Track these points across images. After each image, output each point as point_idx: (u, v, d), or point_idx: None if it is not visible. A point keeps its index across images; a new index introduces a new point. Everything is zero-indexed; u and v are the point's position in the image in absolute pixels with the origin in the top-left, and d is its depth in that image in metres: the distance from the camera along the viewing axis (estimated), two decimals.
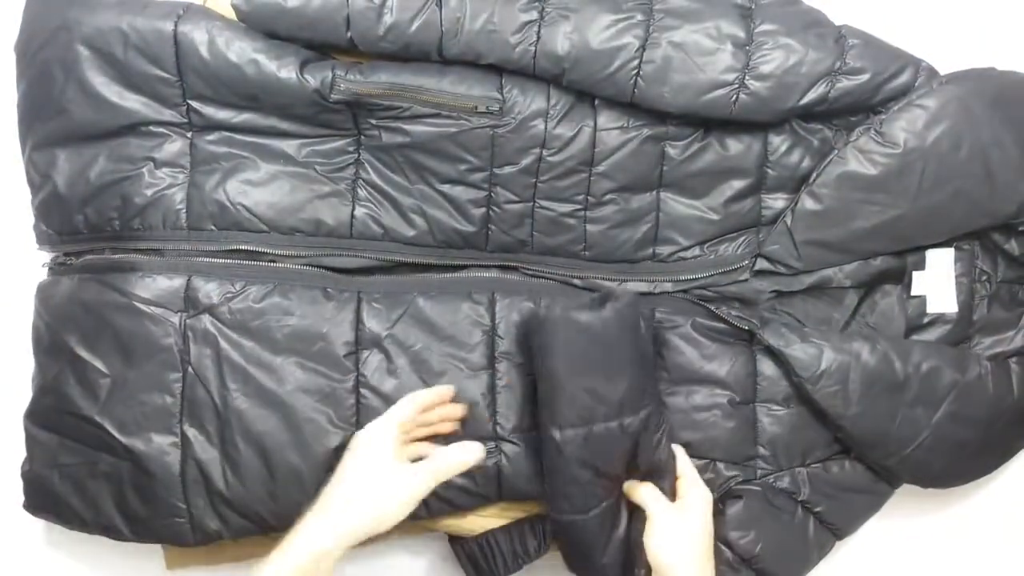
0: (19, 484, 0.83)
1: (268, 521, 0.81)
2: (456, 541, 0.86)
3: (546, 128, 0.81)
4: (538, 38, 0.78)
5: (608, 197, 0.84)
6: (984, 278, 0.88)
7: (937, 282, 0.87)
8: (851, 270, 0.86)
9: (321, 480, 0.78)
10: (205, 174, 0.82)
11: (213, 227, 0.82)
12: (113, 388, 0.80)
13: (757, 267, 0.86)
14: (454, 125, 0.80)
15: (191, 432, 0.80)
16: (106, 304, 0.80)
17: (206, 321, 0.81)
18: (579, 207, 0.84)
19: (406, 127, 0.81)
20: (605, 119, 0.82)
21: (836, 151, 0.82)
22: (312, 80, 0.78)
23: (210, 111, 0.81)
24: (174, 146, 0.82)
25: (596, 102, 0.82)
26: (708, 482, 0.83)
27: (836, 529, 0.86)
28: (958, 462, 0.86)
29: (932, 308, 0.88)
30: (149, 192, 0.81)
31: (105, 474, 0.80)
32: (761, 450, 0.86)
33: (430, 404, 0.80)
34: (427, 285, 0.85)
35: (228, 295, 0.81)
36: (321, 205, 0.83)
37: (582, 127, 0.82)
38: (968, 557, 0.96)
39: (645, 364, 0.79)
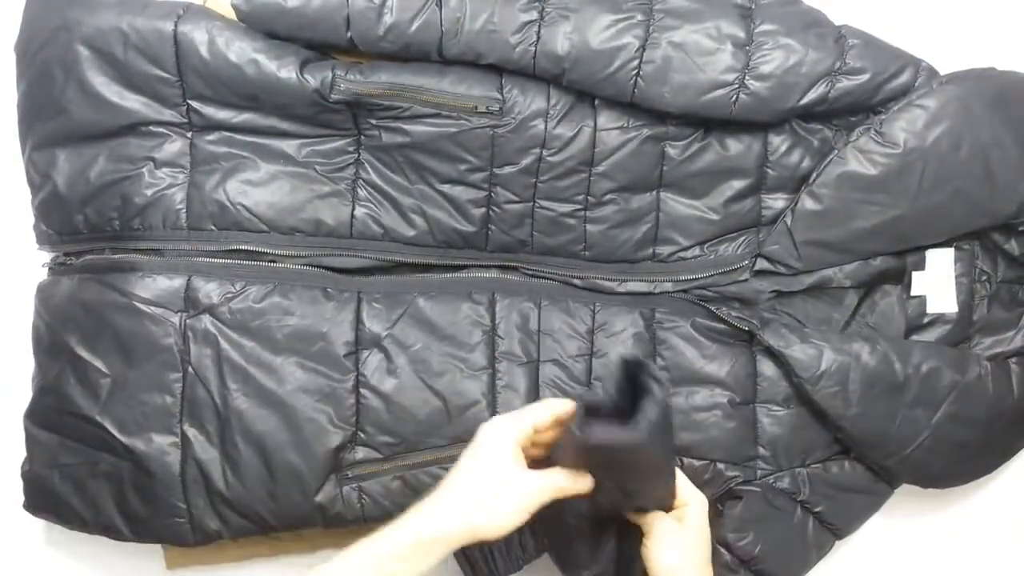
0: (19, 484, 0.83)
1: (268, 521, 0.81)
2: None
3: (546, 128, 0.81)
4: (538, 38, 0.78)
5: (608, 197, 0.84)
6: (984, 278, 0.88)
7: (937, 282, 0.87)
8: (851, 270, 0.86)
9: (321, 480, 0.79)
10: (205, 174, 0.82)
11: (213, 227, 0.82)
12: (113, 388, 0.80)
13: (757, 267, 0.86)
14: (454, 125, 0.80)
15: (191, 432, 0.80)
16: (106, 304, 0.80)
17: (206, 321, 0.81)
18: (579, 207, 0.84)
19: (406, 127, 0.81)
20: (605, 119, 0.82)
21: (836, 151, 0.82)
22: (312, 80, 0.78)
23: (210, 111, 0.81)
24: (174, 146, 0.82)
25: (596, 102, 0.82)
26: (708, 483, 0.83)
27: (836, 529, 0.86)
28: (958, 462, 0.86)
29: (932, 308, 0.88)
30: (149, 192, 0.81)
31: (105, 474, 0.80)
32: (761, 450, 0.86)
33: (567, 418, 0.72)
34: (427, 285, 0.85)
35: (228, 295, 0.81)
36: (321, 205, 0.83)
37: (582, 127, 0.82)
38: (968, 557, 0.96)
39: (672, 458, 0.76)
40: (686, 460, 0.84)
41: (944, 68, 0.83)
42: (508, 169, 0.82)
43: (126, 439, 0.79)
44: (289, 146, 0.83)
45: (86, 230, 0.82)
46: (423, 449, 0.83)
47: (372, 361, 0.83)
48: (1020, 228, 0.85)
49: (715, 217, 0.86)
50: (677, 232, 0.86)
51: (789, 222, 0.83)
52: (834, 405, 0.82)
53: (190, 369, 0.80)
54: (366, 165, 0.83)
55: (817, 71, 0.79)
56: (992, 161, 0.81)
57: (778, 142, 0.84)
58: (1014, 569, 0.96)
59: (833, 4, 0.84)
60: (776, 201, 0.86)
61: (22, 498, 0.83)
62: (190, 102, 0.81)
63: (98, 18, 0.79)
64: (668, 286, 0.86)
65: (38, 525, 0.89)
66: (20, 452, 0.83)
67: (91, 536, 0.82)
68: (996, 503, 0.95)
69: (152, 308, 0.80)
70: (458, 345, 0.84)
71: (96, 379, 0.80)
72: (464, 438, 0.82)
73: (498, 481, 0.68)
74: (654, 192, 0.85)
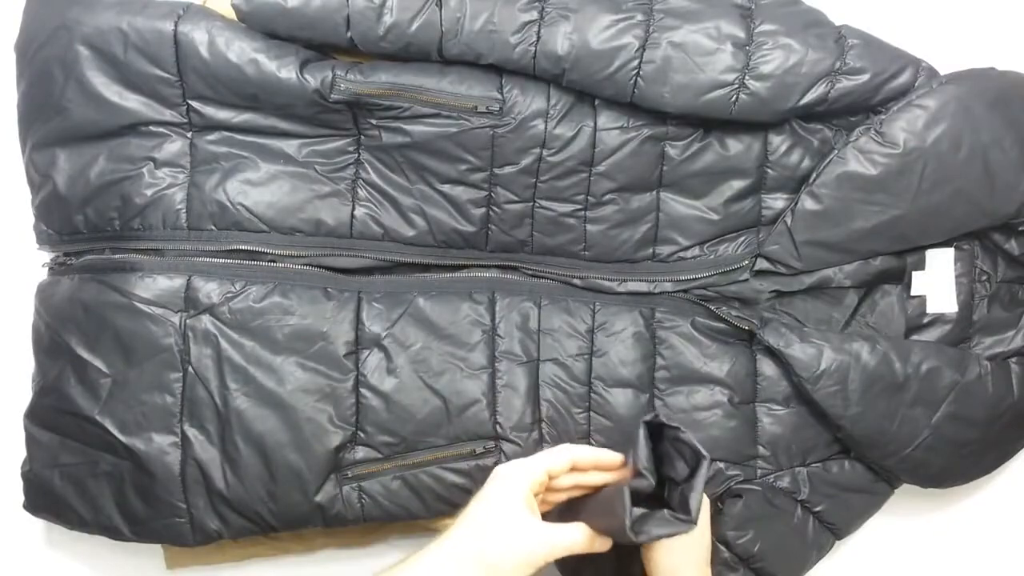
0: (19, 484, 0.83)
1: (268, 521, 0.81)
2: None
3: (546, 128, 0.81)
4: (538, 38, 0.78)
5: (608, 197, 0.84)
6: (984, 278, 0.88)
7: (937, 282, 0.87)
8: (851, 270, 0.86)
9: (321, 480, 0.78)
10: (205, 174, 0.82)
11: (213, 227, 0.82)
12: (114, 388, 0.80)
13: (757, 267, 0.86)
14: (454, 125, 0.80)
15: (191, 432, 0.80)
16: (106, 304, 0.80)
17: (206, 321, 0.81)
18: (579, 207, 0.84)
19: (406, 127, 0.81)
20: (605, 119, 0.82)
21: (836, 151, 0.82)
22: (312, 80, 0.78)
23: (210, 111, 0.81)
24: (174, 146, 0.82)
25: (596, 102, 0.82)
26: (709, 482, 0.83)
27: (836, 529, 0.86)
28: (958, 462, 0.86)
29: (932, 308, 0.88)
30: (149, 192, 0.81)
31: (105, 474, 0.80)
32: (761, 450, 0.86)
33: (586, 464, 0.70)
34: (427, 285, 0.85)
35: (228, 295, 0.81)
36: (321, 205, 0.83)
37: (582, 127, 0.82)
38: (968, 557, 0.96)
39: None
40: None
41: (944, 68, 0.83)
42: (508, 169, 0.82)
43: (126, 439, 0.79)
44: (289, 146, 0.83)
45: (86, 230, 0.82)
46: (423, 449, 0.83)
47: (372, 361, 0.83)
48: (1020, 228, 0.85)
49: (715, 217, 0.86)
50: (677, 232, 0.86)
51: (789, 222, 0.83)
52: (834, 404, 0.82)
53: (190, 369, 0.80)
54: (366, 165, 0.83)
55: (817, 71, 0.79)
56: (992, 161, 0.81)
57: (778, 142, 0.84)
58: (1014, 569, 0.96)
59: (833, 4, 0.84)
60: (776, 201, 0.86)
61: (22, 498, 0.83)
62: (190, 102, 0.81)
63: (98, 18, 0.79)
64: (668, 286, 0.86)
65: (38, 525, 0.89)
66: (20, 452, 0.83)
67: (91, 536, 0.82)
68: (996, 503, 0.95)
69: (152, 308, 0.80)
70: (458, 344, 0.84)
71: (96, 379, 0.80)
72: (463, 438, 0.82)
73: (511, 532, 0.65)
74: (654, 192, 0.85)
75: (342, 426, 0.81)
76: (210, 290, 0.81)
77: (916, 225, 0.83)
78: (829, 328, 0.87)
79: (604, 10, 0.78)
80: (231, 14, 0.80)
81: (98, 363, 0.80)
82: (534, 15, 0.78)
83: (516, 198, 0.83)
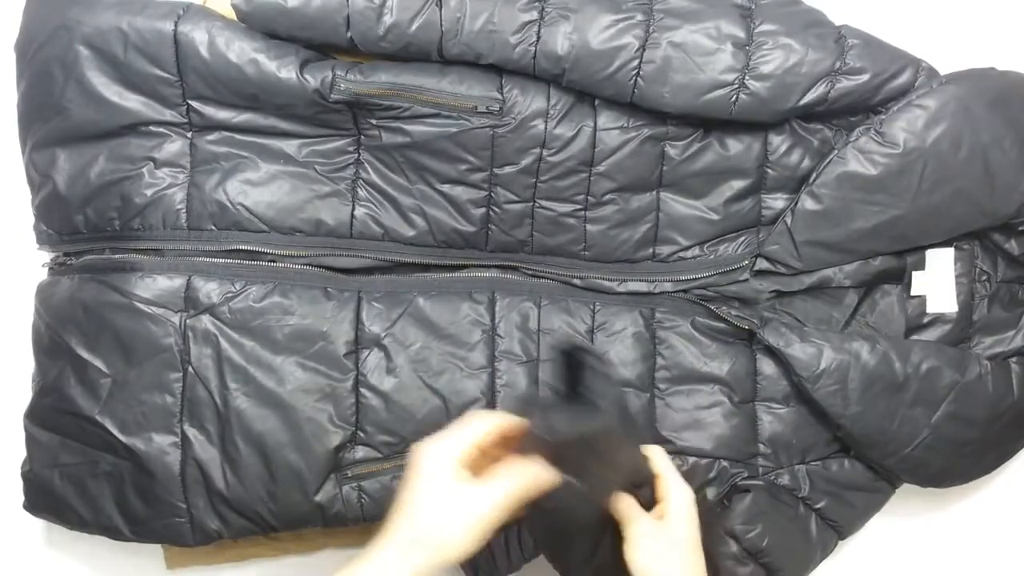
0: (19, 484, 0.83)
1: (268, 521, 0.81)
2: None
3: (546, 128, 0.81)
4: (538, 38, 0.78)
5: (608, 197, 0.84)
6: (984, 278, 0.88)
7: (937, 282, 0.87)
8: (851, 270, 0.86)
9: (321, 479, 0.78)
10: (205, 174, 0.82)
11: (213, 227, 0.82)
12: (114, 388, 0.80)
13: (757, 267, 0.86)
14: (454, 125, 0.80)
15: (191, 432, 0.80)
16: (106, 304, 0.80)
17: (206, 321, 0.81)
18: (579, 207, 0.84)
19: (406, 127, 0.81)
20: (605, 119, 0.82)
21: (836, 151, 0.82)
22: (312, 80, 0.78)
23: (210, 111, 0.81)
24: (174, 146, 0.82)
25: (596, 102, 0.82)
26: (713, 480, 0.83)
27: (838, 527, 0.87)
28: (958, 462, 0.86)
29: (932, 308, 0.88)
30: (149, 192, 0.81)
31: (105, 474, 0.80)
32: (762, 448, 0.86)
33: (510, 431, 0.66)
34: (427, 285, 0.85)
35: (228, 295, 0.81)
36: (321, 205, 0.83)
37: (582, 127, 0.82)
38: (968, 557, 0.96)
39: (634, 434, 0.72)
40: (690, 459, 0.84)
41: (944, 68, 0.83)
42: (508, 169, 0.82)
43: (126, 439, 0.79)
44: (289, 146, 0.83)
45: (86, 230, 0.82)
46: None
47: (372, 360, 0.83)
48: (1020, 228, 0.85)
49: (715, 217, 0.86)
50: (677, 232, 0.86)
51: (789, 222, 0.83)
52: (834, 404, 0.82)
53: (190, 369, 0.80)
54: (366, 165, 0.83)
55: (817, 71, 0.79)
56: (992, 161, 0.81)
57: (778, 142, 0.84)
58: (1014, 569, 0.96)
59: (833, 4, 0.84)
60: (776, 201, 0.86)
61: (22, 498, 0.83)
62: (190, 102, 0.81)
63: (98, 18, 0.79)
64: (668, 286, 0.86)
65: (38, 525, 0.89)
66: (20, 452, 0.83)
67: (91, 536, 0.82)
68: (996, 503, 0.95)
69: (152, 308, 0.80)
70: (458, 344, 0.84)
71: (96, 379, 0.80)
72: None
73: (441, 505, 0.62)
74: (654, 192, 0.85)
75: (342, 426, 0.81)
76: (210, 290, 0.81)
77: (916, 225, 0.83)
78: (829, 328, 0.87)
79: (604, 10, 0.78)
80: (231, 14, 0.80)
81: (98, 363, 0.80)
82: (534, 15, 0.78)
83: (516, 198, 0.83)
